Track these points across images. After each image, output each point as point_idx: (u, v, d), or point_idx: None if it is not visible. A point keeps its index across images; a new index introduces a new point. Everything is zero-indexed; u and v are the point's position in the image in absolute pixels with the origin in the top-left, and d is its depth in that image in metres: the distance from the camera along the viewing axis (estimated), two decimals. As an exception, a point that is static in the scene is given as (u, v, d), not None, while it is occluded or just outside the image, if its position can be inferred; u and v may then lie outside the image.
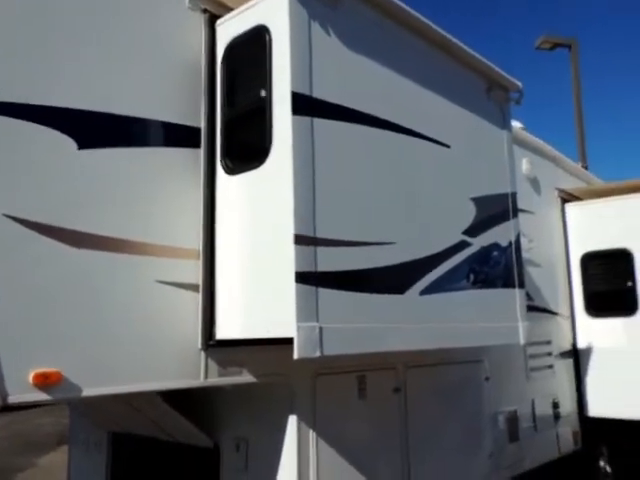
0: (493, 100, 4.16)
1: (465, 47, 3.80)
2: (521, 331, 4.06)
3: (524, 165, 5.73)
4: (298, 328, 2.55)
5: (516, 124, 5.85)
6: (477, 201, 3.85)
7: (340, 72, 2.98)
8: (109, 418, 3.75)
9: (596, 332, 6.21)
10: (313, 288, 2.65)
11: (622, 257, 6.15)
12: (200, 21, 3.09)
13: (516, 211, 4.23)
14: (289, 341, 2.56)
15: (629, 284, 6.07)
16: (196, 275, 2.91)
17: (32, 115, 2.41)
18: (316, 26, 2.85)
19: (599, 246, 6.30)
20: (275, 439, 3.15)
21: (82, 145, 2.55)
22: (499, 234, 4.03)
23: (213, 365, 2.91)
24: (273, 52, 2.80)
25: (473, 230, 3.77)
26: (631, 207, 6.20)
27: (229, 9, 3.13)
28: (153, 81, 2.84)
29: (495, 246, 3.97)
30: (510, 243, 4.12)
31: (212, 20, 3.13)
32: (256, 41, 2.90)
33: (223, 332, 2.90)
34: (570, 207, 6.52)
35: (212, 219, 3.00)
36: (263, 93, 2.84)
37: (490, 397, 4.66)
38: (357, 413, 3.48)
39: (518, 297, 4.12)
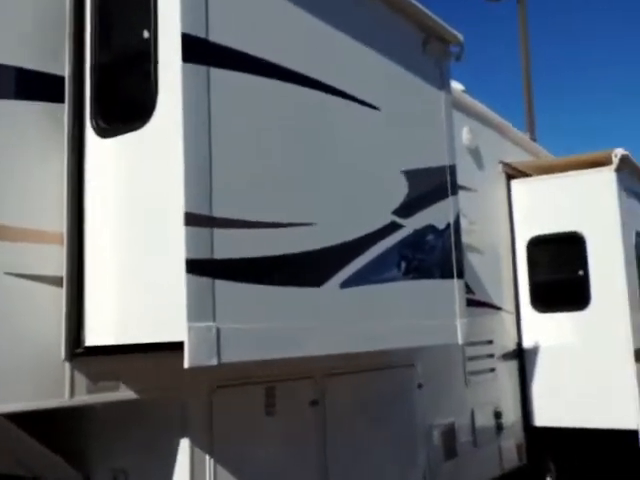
0: (430, 55, 4.21)
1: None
2: (459, 329, 4.16)
3: (465, 134, 5.86)
4: (189, 329, 2.51)
5: (457, 86, 5.97)
6: (410, 175, 3.89)
7: (245, 13, 2.94)
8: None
9: (544, 329, 6.49)
10: (209, 280, 2.61)
11: (573, 242, 6.43)
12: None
13: (455, 188, 4.32)
14: (179, 346, 2.52)
15: (580, 273, 6.36)
16: (59, 265, 2.83)
17: None
18: (214, -47, 2.77)
19: (548, 229, 6.57)
20: (162, 469, 3.10)
21: None
22: (435, 215, 4.10)
23: (81, 379, 2.83)
24: (158, -19, 2.73)
25: (405, 209, 3.82)
26: (584, 184, 6.49)
27: None
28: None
29: (431, 229, 4.04)
30: (448, 225, 4.20)
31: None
32: (137, -33, 2.81)
33: (94, 337, 2.83)
34: (516, 184, 6.74)
35: (80, 194, 2.91)
36: (146, 34, 2.77)
37: (423, 408, 4.76)
38: (265, 432, 3.49)
39: (457, 289, 4.22)
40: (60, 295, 2.80)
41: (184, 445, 3.08)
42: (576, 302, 6.41)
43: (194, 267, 2.55)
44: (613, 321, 6.20)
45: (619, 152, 6.35)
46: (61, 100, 2.87)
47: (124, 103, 2.98)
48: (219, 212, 2.69)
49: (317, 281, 3.15)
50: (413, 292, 3.85)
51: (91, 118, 2.93)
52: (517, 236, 6.70)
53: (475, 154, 6.07)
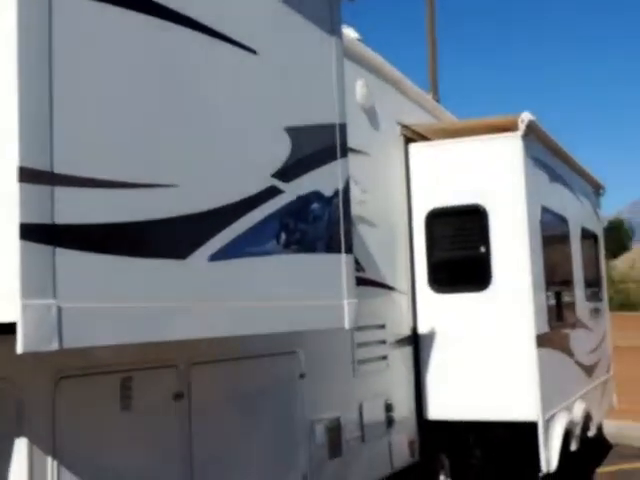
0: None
1: None
2: (347, 311, 4.22)
3: (359, 89, 5.93)
4: (24, 308, 2.45)
5: (350, 33, 6.00)
6: (293, 133, 3.91)
7: None
8: None
9: (441, 312, 6.72)
10: (49, 248, 2.54)
11: (475, 216, 6.66)
12: None
13: (345, 150, 4.37)
14: (11, 328, 2.46)
15: (482, 250, 6.60)
16: None
17: None
18: None
19: (448, 201, 6.76)
20: (-8, 475, 3.03)
21: None
22: (322, 180, 4.14)
23: None
24: None
25: (287, 172, 3.84)
26: (487, 152, 6.71)
27: None
28: None
29: (316, 195, 4.08)
30: (336, 192, 4.25)
31: None
32: None
33: None
34: (415, 148, 6.89)
35: None
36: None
37: (306, 401, 4.84)
38: (120, 430, 3.46)
39: (344, 266, 4.28)
40: None
41: (20, 446, 3.01)
42: (476, 282, 6.67)
43: (30, 233, 2.48)
44: (514, 303, 6.50)
45: (526, 117, 6.60)
46: None
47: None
48: (62, 168, 2.61)
49: (181, 253, 3.12)
50: (294, 268, 3.88)
51: None
52: (415, 208, 6.86)
53: (370, 113, 6.15)
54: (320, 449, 5.00)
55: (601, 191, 10.95)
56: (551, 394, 6.68)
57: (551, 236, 7.54)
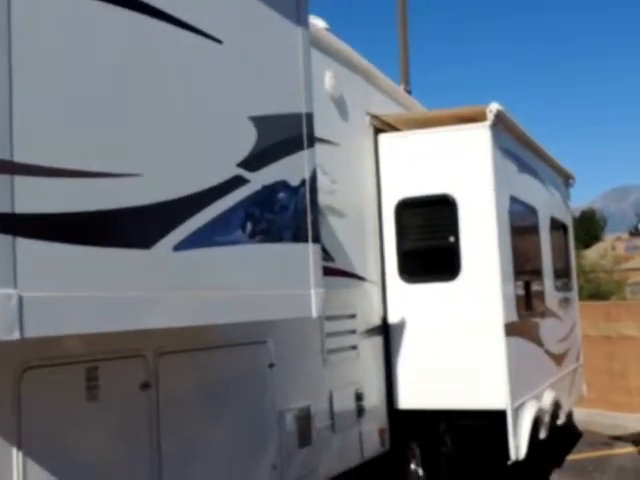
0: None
1: None
2: (314, 300, 4.24)
3: (327, 79, 5.93)
4: None
5: (318, 22, 6.00)
6: (259, 122, 3.91)
7: None
8: None
9: (411, 302, 6.76)
10: (8, 238, 2.53)
11: (444, 206, 6.70)
12: None
13: (312, 139, 4.38)
14: None
15: (451, 240, 6.65)
16: None
17: None
18: None
19: (418, 191, 6.80)
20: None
21: None
22: (288, 169, 4.15)
23: None
24: None
25: (253, 162, 3.84)
26: (455, 142, 6.76)
27: None
28: None
29: (282, 185, 4.08)
30: (303, 182, 4.26)
31: None
32: None
33: None
34: (385, 139, 6.91)
35: None
36: None
37: (275, 390, 4.85)
38: (86, 421, 3.44)
39: (311, 255, 4.30)
40: None
41: (-17, 438, 2.98)
42: (446, 272, 6.71)
43: (-10, 222, 2.46)
44: (483, 292, 6.55)
45: (494, 107, 6.65)
46: None
47: None
48: (22, 156, 2.60)
49: (145, 242, 3.12)
50: (260, 257, 3.89)
51: None
52: (384, 198, 6.89)
53: (339, 103, 6.15)
54: (290, 438, 5.01)
55: (571, 181, 11.04)
56: (520, 383, 6.74)
57: (520, 226, 7.60)
